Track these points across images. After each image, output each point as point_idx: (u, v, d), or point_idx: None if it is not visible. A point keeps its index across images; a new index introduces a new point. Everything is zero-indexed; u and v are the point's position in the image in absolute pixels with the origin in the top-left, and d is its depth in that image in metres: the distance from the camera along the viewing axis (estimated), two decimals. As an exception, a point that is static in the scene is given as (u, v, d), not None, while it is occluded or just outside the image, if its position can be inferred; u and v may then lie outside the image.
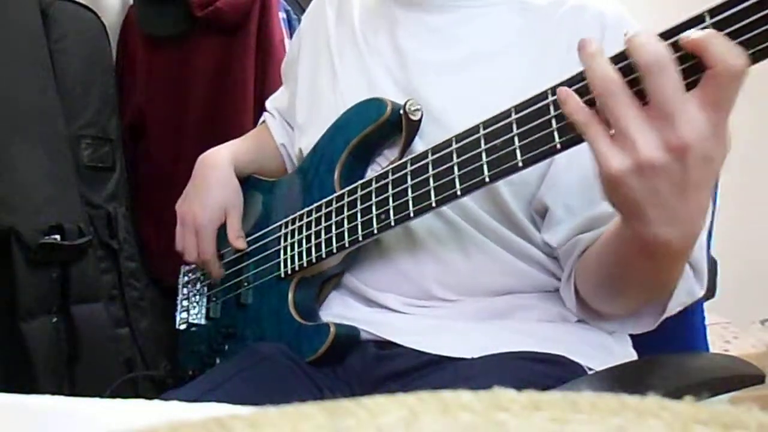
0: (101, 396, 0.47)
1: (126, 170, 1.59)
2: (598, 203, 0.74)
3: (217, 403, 0.43)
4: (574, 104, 0.56)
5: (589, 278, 0.76)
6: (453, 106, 0.82)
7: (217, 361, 0.98)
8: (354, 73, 0.91)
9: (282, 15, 1.58)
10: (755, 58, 0.50)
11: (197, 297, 1.07)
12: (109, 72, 1.58)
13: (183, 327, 1.08)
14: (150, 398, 0.51)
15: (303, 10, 1.62)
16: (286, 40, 1.55)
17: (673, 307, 0.74)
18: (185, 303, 1.08)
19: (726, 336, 2.10)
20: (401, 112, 0.82)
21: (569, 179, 0.76)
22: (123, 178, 1.57)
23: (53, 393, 0.47)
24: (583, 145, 0.58)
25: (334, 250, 0.83)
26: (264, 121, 1.13)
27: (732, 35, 0.51)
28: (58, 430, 0.43)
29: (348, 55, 0.93)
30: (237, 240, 0.97)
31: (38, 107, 1.38)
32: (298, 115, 0.99)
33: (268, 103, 1.14)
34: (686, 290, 0.73)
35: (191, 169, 1.03)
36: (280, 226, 0.92)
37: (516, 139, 0.64)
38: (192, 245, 0.98)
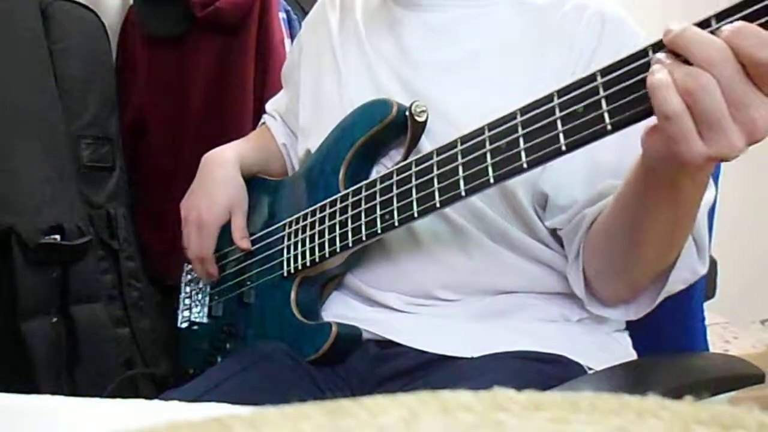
0: (101, 395, 0.47)
1: (126, 170, 1.59)
2: (598, 181, 0.75)
3: (217, 402, 0.44)
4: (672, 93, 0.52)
5: (600, 246, 0.75)
6: (458, 104, 0.82)
7: (219, 359, 0.99)
8: (359, 74, 0.91)
9: (282, 15, 1.57)
10: None
11: (200, 295, 1.07)
12: (109, 72, 1.57)
13: (185, 325, 1.07)
14: (150, 398, 0.51)
15: (303, 10, 1.62)
16: (286, 41, 1.54)
17: (675, 282, 0.74)
18: (187, 301, 1.08)
19: (726, 336, 2.09)
20: (407, 113, 0.82)
21: (567, 165, 0.75)
22: (123, 178, 1.57)
23: (53, 393, 0.47)
24: None
25: (338, 250, 0.83)
26: (264, 123, 1.13)
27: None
28: (59, 430, 0.43)
29: (352, 57, 0.93)
30: (242, 240, 0.96)
31: (38, 107, 1.38)
32: (302, 119, 0.99)
33: (268, 106, 1.15)
34: (689, 267, 0.74)
35: (191, 169, 1.03)
36: (284, 225, 0.92)
37: (521, 141, 0.64)
38: (195, 242, 0.98)
